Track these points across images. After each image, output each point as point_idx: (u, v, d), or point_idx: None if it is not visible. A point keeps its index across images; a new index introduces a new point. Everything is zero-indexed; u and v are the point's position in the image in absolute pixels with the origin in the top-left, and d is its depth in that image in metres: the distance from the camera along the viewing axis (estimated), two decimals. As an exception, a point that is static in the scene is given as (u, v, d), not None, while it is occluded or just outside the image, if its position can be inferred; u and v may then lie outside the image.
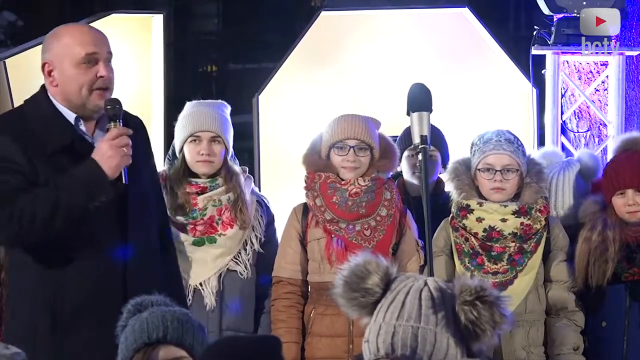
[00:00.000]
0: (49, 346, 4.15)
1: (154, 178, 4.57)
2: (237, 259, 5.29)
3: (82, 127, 4.23)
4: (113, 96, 4.23)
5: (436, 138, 5.44)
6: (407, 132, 5.55)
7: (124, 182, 4.15)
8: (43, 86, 4.26)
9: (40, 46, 6.36)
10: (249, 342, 3.29)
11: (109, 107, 4.15)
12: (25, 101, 4.30)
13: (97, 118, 4.25)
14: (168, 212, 5.28)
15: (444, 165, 5.58)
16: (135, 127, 4.35)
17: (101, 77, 4.17)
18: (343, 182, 5.13)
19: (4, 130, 4.16)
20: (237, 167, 5.39)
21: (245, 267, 5.29)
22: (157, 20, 6.54)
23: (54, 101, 4.21)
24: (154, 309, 3.55)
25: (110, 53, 4.23)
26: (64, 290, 4.15)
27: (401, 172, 5.63)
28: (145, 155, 4.41)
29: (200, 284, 5.24)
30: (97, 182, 4.08)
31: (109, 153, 4.09)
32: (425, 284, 2.92)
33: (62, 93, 4.20)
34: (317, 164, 5.19)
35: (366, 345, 2.91)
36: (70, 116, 4.21)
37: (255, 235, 5.33)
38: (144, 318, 3.51)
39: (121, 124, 4.17)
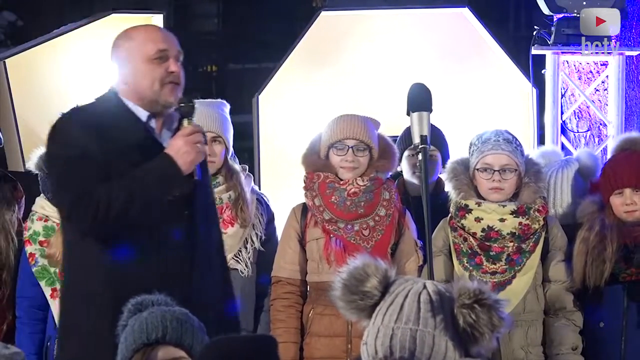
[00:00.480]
0: (109, 346, 4.13)
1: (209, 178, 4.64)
2: (237, 257, 5.30)
3: (153, 124, 4.27)
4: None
5: (436, 138, 5.44)
6: (408, 132, 5.54)
7: (196, 177, 4.20)
8: (112, 86, 4.31)
9: (40, 46, 6.44)
10: (245, 341, 3.30)
11: (182, 104, 4.21)
12: (96, 99, 4.35)
13: (165, 116, 4.28)
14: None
15: (445, 165, 5.58)
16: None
17: (172, 72, 4.21)
18: (342, 182, 5.13)
19: (81, 123, 4.20)
20: (237, 166, 5.40)
21: (246, 265, 5.30)
22: (157, 20, 6.55)
23: (124, 99, 4.25)
24: (154, 308, 3.55)
25: (180, 51, 4.28)
26: (126, 289, 4.12)
27: (401, 171, 5.63)
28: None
29: (201, 283, 5.24)
30: (172, 177, 4.13)
31: (185, 149, 4.14)
32: (424, 287, 2.92)
33: (134, 90, 4.24)
34: (316, 164, 5.19)
35: (364, 347, 2.92)
36: (141, 114, 4.25)
37: (256, 233, 5.34)
38: (143, 318, 3.51)
39: (194, 121, 4.22)
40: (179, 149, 4.14)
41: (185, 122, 4.21)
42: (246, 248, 5.32)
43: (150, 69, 4.21)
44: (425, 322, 2.86)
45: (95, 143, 4.11)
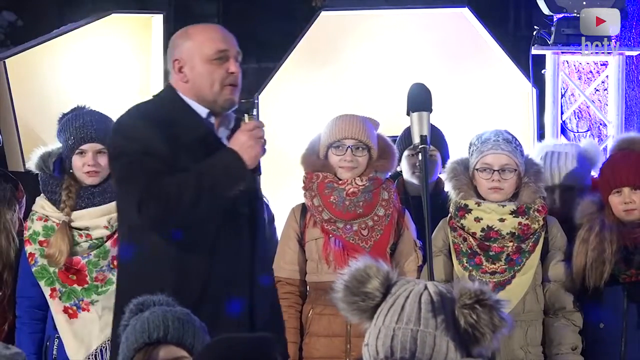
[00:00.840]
0: None
1: None
2: (237, 257, 5.29)
3: (213, 122, 4.29)
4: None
5: (436, 138, 5.44)
6: (408, 132, 5.55)
7: (259, 172, 4.24)
8: (169, 84, 4.34)
9: (40, 46, 6.44)
10: (246, 341, 3.29)
11: (243, 100, 4.26)
12: (154, 96, 4.38)
13: (223, 115, 4.30)
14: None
15: (444, 166, 5.58)
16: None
17: (232, 73, 4.24)
18: (340, 182, 5.13)
19: (147, 117, 4.23)
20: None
21: (247, 266, 5.29)
22: (157, 20, 6.55)
23: (184, 97, 4.28)
24: (155, 308, 3.55)
25: (239, 52, 4.31)
26: (189, 282, 4.16)
27: (401, 171, 5.63)
28: None
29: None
30: (238, 171, 4.15)
31: (249, 143, 4.16)
32: (426, 287, 2.93)
33: (194, 89, 4.27)
34: (315, 164, 5.19)
35: (366, 348, 2.92)
36: (201, 111, 4.27)
37: (257, 233, 5.33)
38: (144, 318, 3.52)
39: (254, 117, 4.24)
40: (244, 143, 4.16)
41: (246, 117, 4.23)
42: (246, 249, 5.31)
43: (210, 69, 4.24)
44: (426, 323, 2.86)
45: (158, 138, 4.14)
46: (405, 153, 5.60)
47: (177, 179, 4.10)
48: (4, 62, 6.28)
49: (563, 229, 5.23)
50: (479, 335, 2.86)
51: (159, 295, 3.63)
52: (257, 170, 4.23)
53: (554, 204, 5.48)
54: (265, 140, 4.22)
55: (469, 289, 2.88)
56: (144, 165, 4.13)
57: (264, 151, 4.22)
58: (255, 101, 4.29)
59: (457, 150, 5.62)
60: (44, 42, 6.45)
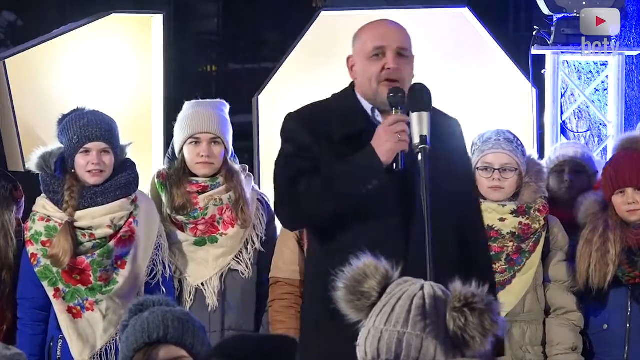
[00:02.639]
0: (325, 334, 4.10)
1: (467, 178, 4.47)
2: (238, 258, 5.30)
3: (379, 118, 4.27)
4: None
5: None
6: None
7: (399, 167, 4.11)
8: (353, 83, 4.37)
9: (40, 46, 6.44)
10: (267, 340, 3.29)
11: (391, 94, 4.18)
12: (333, 95, 4.42)
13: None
14: (168, 211, 5.28)
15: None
16: (453, 126, 4.42)
17: (388, 69, 4.23)
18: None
19: (300, 117, 4.31)
20: (237, 166, 5.39)
21: (247, 267, 5.30)
22: (157, 20, 6.54)
23: (357, 94, 4.32)
24: (155, 308, 3.56)
25: (402, 48, 4.28)
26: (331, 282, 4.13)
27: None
28: (456, 154, 4.36)
29: (202, 284, 5.25)
30: (369, 167, 4.09)
31: (385, 138, 4.11)
32: (421, 289, 2.92)
33: (359, 86, 4.31)
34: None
35: (358, 348, 2.93)
36: (369, 108, 4.29)
37: (257, 234, 5.33)
38: (144, 318, 3.52)
39: (401, 112, 4.17)
40: (380, 138, 4.12)
41: (393, 112, 4.19)
42: (247, 249, 5.31)
43: (368, 66, 4.26)
44: (413, 325, 2.85)
45: (311, 137, 4.18)
46: (401, 152, 5.59)
47: (308, 179, 4.12)
48: (4, 62, 6.27)
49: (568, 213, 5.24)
50: (468, 338, 2.84)
51: (158, 296, 3.64)
52: (396, 165, 4.10)
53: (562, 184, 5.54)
54: (403, 135, 4.10)
55: (460, 292, 2.87)
56: (287, 168, 4.21)
57: (402, 146, 4.09)
58: (400, 95, 4.14)
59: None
60: (44, 42, 6.44)
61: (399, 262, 3.95)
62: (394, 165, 4.11)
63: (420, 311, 2.87)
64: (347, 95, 4.35)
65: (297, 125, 4.28)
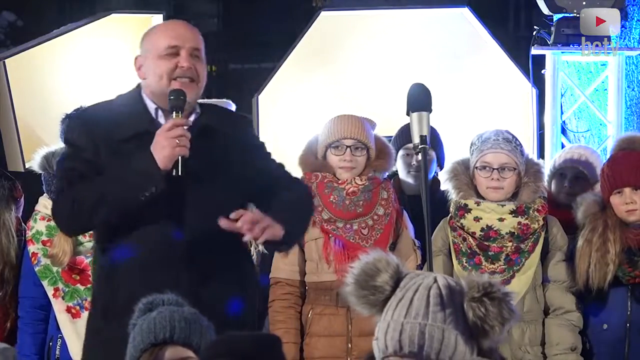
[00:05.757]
0: (101, 335, 4.15)
1: (248, 174, 4.34)
2: (240, 259, 5.28)
3: (161, 119, 4.22)
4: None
5: (431, 137, 5.43)
6: (402, 131, 5.57)
7: (179, 172, 4.07)
8: (139, 84, 4.32)
9: (40, 46, 6.44)
10: (250, 339, 3.29)
11: (172, 97, 4.14)
12: (118, 95, 4.35)
13: (189, 111, 4.22)
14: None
15: (440, 165, 5.60)
16: (234, 124, 4.37)
17: (181, 66, 4.18)
18: (340, 182, 5.14)
19: (79, 118, 4.27)
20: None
21: (250, 269, 5.28)
22: (157, 20, 6.55)
23: (143, 95, 4.26)
24: (163, 308, 3.55)
25: (196, 49, 4.25)
26: (117, 280, 4.13)
27: (396, 171, 5.64)
28: (240, 152, 4.29)
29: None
30: (146, 173, 4.05)
31: (162, 143, 4.07)
32: (435, 281, 2.94)
33: (148, 85, 4.24)
34: (314, 164, 5.19)
35: (375, 343, 2.94)
36: (153, 108, 4.24)
37: (260, 235, 5.31)
38: (151, 318, 3.52)
39: (181, 115, 4.13)
40: (157, 143, 4.07)
41: (173, 115, 4.14)
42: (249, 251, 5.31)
43: (160, 64, 4.20)
44: (434, 317, 2.87)
45: (89, 139, 4.12)
46: (401, 152, 5.61)
47: (85, 186, 4.07)
48: (4, 62, 6.29)
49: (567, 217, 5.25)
50: (488, 328, 2.88)
51: (167, 295, 3.63)
52: (176, 171, 4.07)
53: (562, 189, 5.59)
54: (183, 141, 4.06)
55: (477, 282, 2.90)
56: (64, 172, 4.16)
57: (181, 151, 4.05)
58: (182, 98, 4.10)
59: (457, 150, 5.63)
60: (44, 42, 6.46)
61: (175, 267, 4.04)
62: (174, 170, 4.06)
63: (439, 302, 2.89)
64: (133, 95, 4.27)
65: (75, 126, 4.21)
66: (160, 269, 4.10)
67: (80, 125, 4.19)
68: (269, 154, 4.48)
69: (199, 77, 4.23)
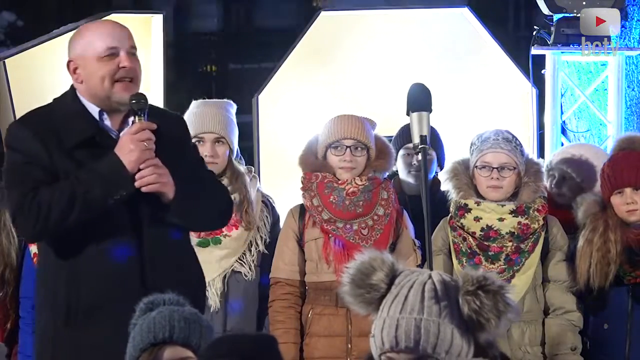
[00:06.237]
0: (65, 341, 4.15)
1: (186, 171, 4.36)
2: (241, 260, 5.28)
3: (107, 122, 4.22)
4: None
5: (431, 137, 5.43)
6: (402, 131, 5.57)
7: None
8: (72, 85, 4.28)
9: (40, 46, 6.44)
10: (250, 339, 3.30)
11: (133, 101, 4.14)
12: (54, 99, 4.31)
13: (124, 112, 4.22)
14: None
15: (440, 165, 5.60)
16: (172, 123, 4.36)
17: (123, 67, 4.17)
18: (340, 182, 5.14)
19: (27, 125, 4.19)
20: (242, 167, 5.38)
21: (250, 269, 5.28)
22: (157, 20, 6.55)
23: (81, 98, 4.22)
24: (163, 308, 3.55)
25: (133, 47, 4.24)
26: (78, 285, 4.13)
27: (396, 171, 5.64)
28: (177, 152, 4.29)
29: (204, 286, 5.24)
30: (116, 177, 4.07)
31: (129, 147, 4.07)
32: (430, 277, 2.96)
33: (87, 88, 4.20)
34: (314, 164, 5.19)
35: (372, 340, 2.95)
36: (96, 111, 4.21)
37: (260, 236, 5.32)
38: (151, 318, 3.52)
39: (145, 118, 4.14)
40: (124, 147, 4.08)
41: (135, 118, 4.14)
42: (250, 251, 5.30)
43: (100, 66, 4.16)
44: (429, 311, 2.89)
45: (40, 146, 4.09)
46: (401, 152, 5.61)
47: (52, 188, 4.05)
48: (4, 62, 6.28)
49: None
50: (483, 321, 2.88)
51: (168, 294, 3.63)
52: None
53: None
54: (149, 144, 4.09)
55: (472, 275, 2.91)
56: (21, 178, 4.11)
57: (147, 155, 4.08)
58: (143, 101, 4.11)
59: (457, 150, 5.63)
60: (44, 42, 6.45)
61: (133, 268, 4.06)
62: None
63: (434, 296, 2.90)
64: (69, 100, 4.23)
65: (25, 134, 4.15)
66: (129, 273, 4.12)
67: (28, 132, 4.14)
68: (202, 159, 4.56)
69: (138, 77, 4.23)
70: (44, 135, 4.12)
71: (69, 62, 4.24)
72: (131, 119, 4.16)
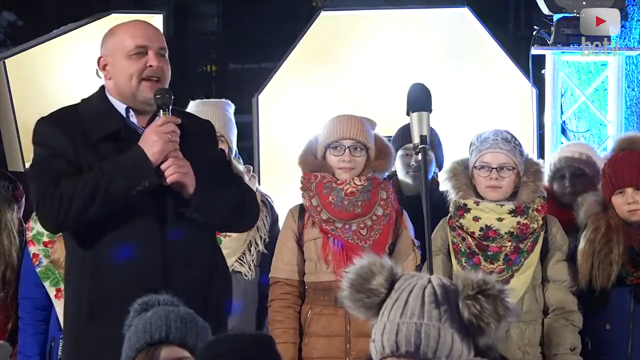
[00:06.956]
0: (88, 335, 4.16)
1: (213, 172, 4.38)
2: (241, 260, 5.29)
3: (133, 119, 4.26)
4: None
5: (430, 138, 5.44)
6: (401, 131, 5.57)
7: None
8: (102, 86, 4.33)
9: (40, 46, 6.44)
10: (249, 339, 3.30)
11: (158, 96, 4.18)
12: (82, 99, 4.37)
13: (151, 113, 4.26)
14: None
15: (438, 165, 5.60)
16: (198, 125, 4.40)
17: (150, 66, 4.22)
18: (339, 182, 5.13)
19: (53, 121, 4.24)
20: (241, 167, 5.38)
21: (250, 269, 5.29)
22: (157, 20, 6.55)
23: (109, 97, 4.28)
24: (159, 308, 3.55)
25: (163, 48, 4.29)
26: (101, 279, 4.15)
27: (395, 171, 5.64)
28: (200, 151, 4.32)
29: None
30: (139, 167, 4.10)
31: (153, 138, 4.12)
32: (429, 281, 2.95)
33: (115, 85, 4.26)
34: (313, 164, 5.19)
35: (373, 344, 2.95)
36: (122, 108, 4.26)
37: (260, 236, 5.32)
38: (147, 318, 3.52)
39: (169, 112, 4.18)
40: (148, 139, 4.13)
41: (160, 112, 4.18)
42: (250, 251, 5.31)
43: (128, 64, 4.22)
44: (429, 316, 2.89)
45: (66, 140, 4.14)
46: (400, 153, 5.61)
47: (75, 179, 4.09)
48: (4, 62, 6.29)
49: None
50: (483, 325, 2.88)
51: (163, 295, 3.63)
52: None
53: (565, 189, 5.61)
54: (173, 137, 4.14)
55: (472, 279, 2.91)
56: (44, 171, 4.15)
57: (171, 147, 4.14)
58: (167, 96, 4.15)
59: (457, 150, 5.63)
60: (44, 42, 6.46)
61: (156, 263, 4.07)
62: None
63: (434, 301, 2.90)
64: (97, 97, 4.30)
65: (51, 129, 4.21)
66: (151, 268, 4.14)
67: (55, 127, 4.20)
68: (229, 163, 4.61)
69: (165, 78, 4.28)
70: (70, 130, 4.17)
71: (99, 58, 4.31)
72: (160, 113, 4.19)
